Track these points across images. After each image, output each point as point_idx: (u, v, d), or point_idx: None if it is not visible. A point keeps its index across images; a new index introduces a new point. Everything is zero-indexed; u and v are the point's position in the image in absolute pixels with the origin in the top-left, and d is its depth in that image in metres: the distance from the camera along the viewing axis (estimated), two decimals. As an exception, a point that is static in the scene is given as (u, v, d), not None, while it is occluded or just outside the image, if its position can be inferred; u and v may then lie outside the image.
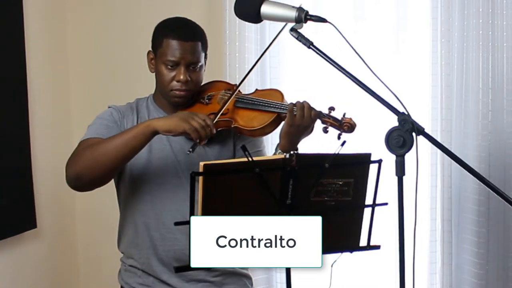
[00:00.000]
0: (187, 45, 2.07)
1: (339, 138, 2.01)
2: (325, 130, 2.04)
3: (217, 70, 3.12)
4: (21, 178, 2.95)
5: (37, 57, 3.09)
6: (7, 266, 2.94)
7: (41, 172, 3.06)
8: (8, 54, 2.88)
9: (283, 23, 1.90)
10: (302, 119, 2.00)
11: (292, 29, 1.80)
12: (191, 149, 1.94)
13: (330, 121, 2.03)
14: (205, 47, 2.14)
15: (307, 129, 2.03)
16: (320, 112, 2.04)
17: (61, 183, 3.28)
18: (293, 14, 1.80)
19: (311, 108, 2.01)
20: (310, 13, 1.81)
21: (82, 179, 1.99)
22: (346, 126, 2.01)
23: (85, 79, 3.40)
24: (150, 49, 2.15)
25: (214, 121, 2.03)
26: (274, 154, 2.08)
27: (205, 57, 2.15)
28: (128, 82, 3.22)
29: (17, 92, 2.95)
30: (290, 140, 2.03)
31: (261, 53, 2.17)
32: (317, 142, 2.11)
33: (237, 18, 1.96)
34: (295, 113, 2.00)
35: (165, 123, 1.94)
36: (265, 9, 1.84)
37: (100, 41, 3.37)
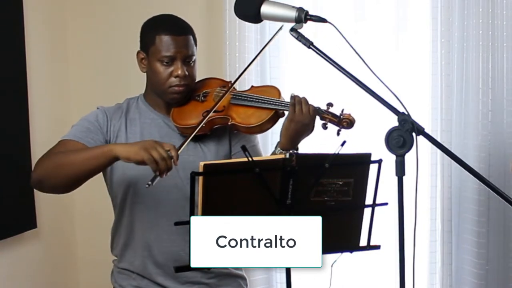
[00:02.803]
0: (180, 39, 2.06)
1: (338, 134, 2.01)
2: (324, 127, 2.04)
3: (217, 70, 3.12)
4: (21, 178, 2.94)
5: (37, 57, 3.09)
6: (7, 266, 2.94)
7: (41, 172, 3.05)
8: (8, 54, 2.88)
9: (283, 23, 1.90)
10: (301, 114, 1.99)
11: (292, 29, 1.80)
12: (150, 182, 1.84)
13: (329, 117, 2.02)
14: (195, 41, 2.13)
15: (307, 127, 2.02)
16: (319, 108, 2.03)
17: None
18: (293, 14, 1.80)
19: (308, 104, 2.01)
20: (310, 13, 1.81)
21: (43, 184, 2.01)
22: (345, 122, 2.01)
23: (85, 79, 3.40)
24: (139, 49, 2.13)
25: (208, 118, 2.00)
26: (273, 152, 2.07)
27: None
28: (128, 82, 3.21)
29: (17, 92, 2.95)
30: (290, 138, 2.02)
31: (260, 51, 2.15)
32: (317, 139, 2.11)
33: (237, 18, 1.96)
34: (294, 108, 2.00)
35: (126, 149, 1.87)
36: (265, 9, 1.84)
37: (101, 41, 3.37)
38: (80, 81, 3.39)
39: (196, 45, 2.13)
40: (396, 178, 1.66)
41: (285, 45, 3.17)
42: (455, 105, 3.08)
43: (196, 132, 1.99)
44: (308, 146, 2.10)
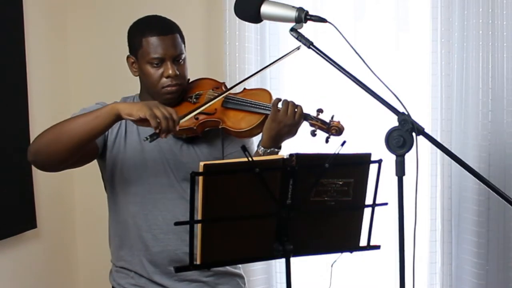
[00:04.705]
0: (167, 39, 2.05)
1: (327, 141, 2.02)
2: (313, 134, 2.04)
3: (217, 70, 3.12)
4: (21, 178, 2.95)
5: (37, 57, 3.09)
6: (7, 266, 2.94)
7: (41, 172, 3.05)
8: (8, 54, 2.88)
9: (284, 23, 1.90)
10: (285, 115, 1.99)
11: (292, 29, 1.80)
12: (148, 137, 1.85)
13: (318, 124, 2.03)
14: (183, 39, 2.12)
15: (290, 130, 2.02)
16: (308, 114, 2.04)
17: (61, 183, 3.30)
18: (293, 14, 1.80)
19: (295, 106, 2.01)
20: (310, 13, 1.81)
21: (40, 154, 1.96)
22: (334, 129, 2.02)
23: (85, 79, 3.40)
24: (128, 54, 2.13)
25: (195, 114, 2.00)
26: (256, 151, 2.07)
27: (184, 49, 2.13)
28: (128, 82, 3.21)
29: (17, 92, 2.95)
30: (271, 137, 2.02)
31: (268, 65, 2.14)
32: (310, 145, 2.10)
33: (237, 18, 1.96)
34: (278, 108, 2.00)
35: (128, 106, 1.88)
36: (265, 9, 1.84)
37: (101, 41, 3.37)
38: (80, 80, 3.39)
39: (184, 42, 2.12)
40: (396, 178, 1.66)
41: (285, 45, 3.17)
42: (455, 105, 3.08)
43: (201, 110, 2.01)
44: (303, 148, 2.09)
